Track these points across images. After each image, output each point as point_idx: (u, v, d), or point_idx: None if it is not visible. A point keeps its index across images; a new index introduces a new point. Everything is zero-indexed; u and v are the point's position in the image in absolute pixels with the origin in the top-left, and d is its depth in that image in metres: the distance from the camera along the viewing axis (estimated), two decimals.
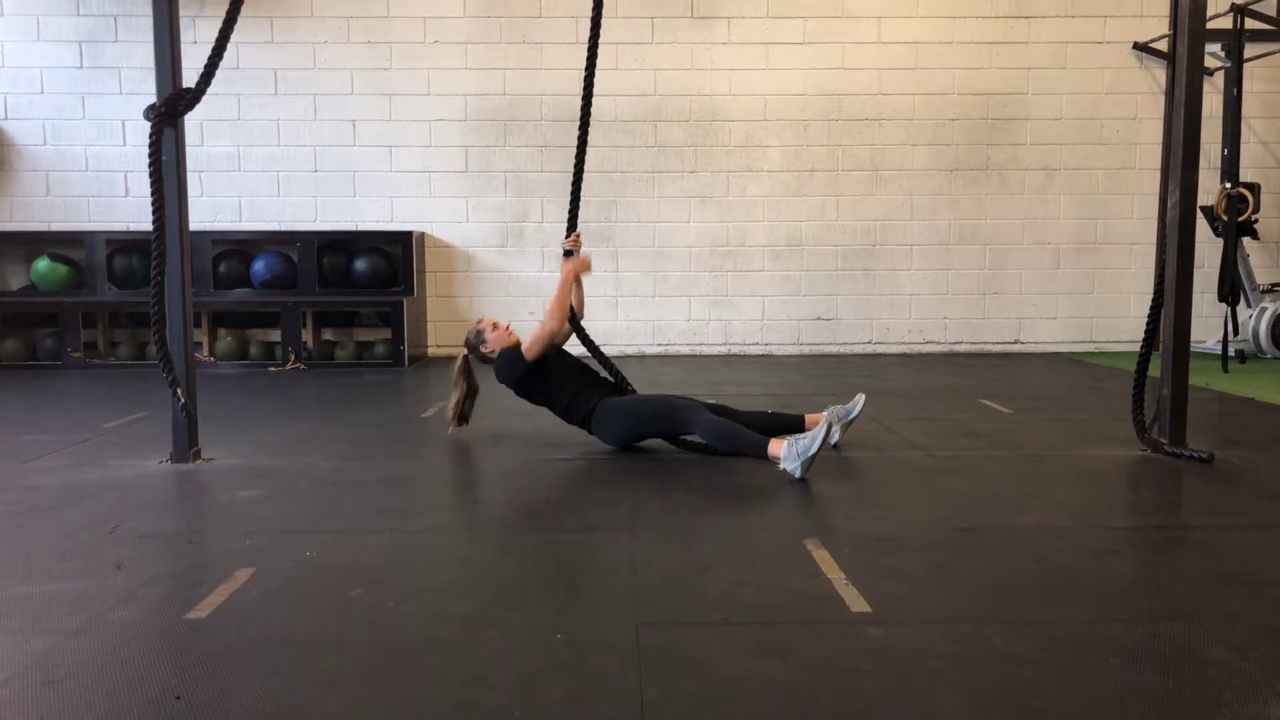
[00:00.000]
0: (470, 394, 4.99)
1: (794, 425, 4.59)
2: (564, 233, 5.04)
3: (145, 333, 7.84)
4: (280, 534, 3.42)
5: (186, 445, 4.45)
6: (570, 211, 4.99)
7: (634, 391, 4.81)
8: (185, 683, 2.28)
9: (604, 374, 4.90)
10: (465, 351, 4.98)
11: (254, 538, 3.36)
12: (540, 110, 8.33)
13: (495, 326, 4.87)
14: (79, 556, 3.18)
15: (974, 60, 8.39)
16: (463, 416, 5.00)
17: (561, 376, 4.73)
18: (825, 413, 4.62)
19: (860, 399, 4.77)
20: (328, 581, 2.95)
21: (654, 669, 2.34)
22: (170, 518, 3.68)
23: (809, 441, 4.04)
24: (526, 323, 8.56)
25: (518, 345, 4.73)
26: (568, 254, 4.91)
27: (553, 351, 4.79)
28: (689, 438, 4.59)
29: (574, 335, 4.99)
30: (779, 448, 4.14)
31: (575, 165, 4.97)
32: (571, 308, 4.85)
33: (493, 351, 4.82)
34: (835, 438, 4.61)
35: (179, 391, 4.38)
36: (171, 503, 3.92)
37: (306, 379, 7.33)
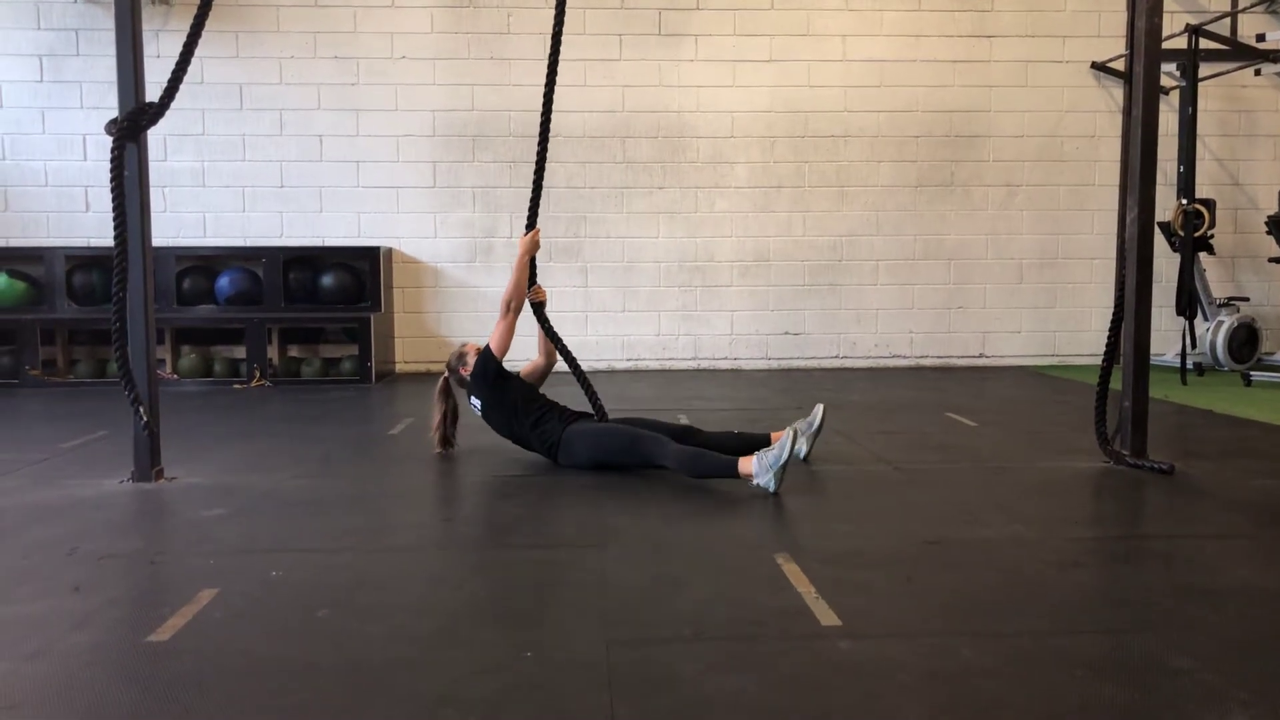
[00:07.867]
0: (451, 414, 4.90)
1: (760, 444, 4.57)
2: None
3: (106, 350, 7.71)
4: (245, 554, 3.37)
5: (148, 464, 4.37)
6: (530, 214, 4.89)
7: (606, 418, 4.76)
8: (145, 708, 2.24)
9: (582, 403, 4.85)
10: (446, 373, 4.93)
11: (218, 558, 3.31)
12: (509, 126, 8.32)
13: (479, 351, 4.76)
14: (36, 579, 3.12)
15: (937, 78, 8.51)
16: (446, 440, 4.90)
17: (526, 400, 4.68)
18: (787, 429, 4.64)
19: (819, 409, 4.80)
20: (293, 602, 2.90)
21: (624, 687, 2.33)
22: (131, 538, 3.62)
23: (777, 452, 4.06)
24: None
25: (487, 348, 4.65)
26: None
27: (520, 381, 4.77)
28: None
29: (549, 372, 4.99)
30: (749, 464, 4.14)
31: (535, 174, 4.89)
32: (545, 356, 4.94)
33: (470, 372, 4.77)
34: (803, 450, 4.66)
35: (141, 409, 4.30)
36: (132, 523, 3.85)
37: (272, 396, 7.24)
